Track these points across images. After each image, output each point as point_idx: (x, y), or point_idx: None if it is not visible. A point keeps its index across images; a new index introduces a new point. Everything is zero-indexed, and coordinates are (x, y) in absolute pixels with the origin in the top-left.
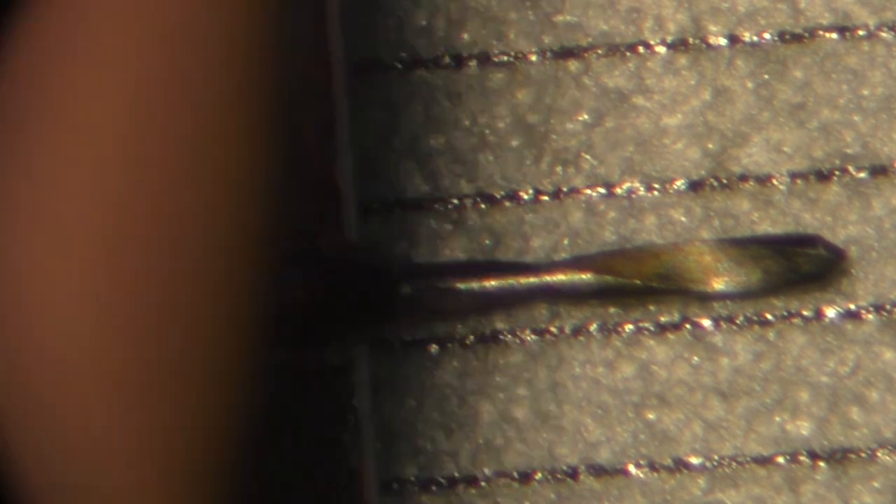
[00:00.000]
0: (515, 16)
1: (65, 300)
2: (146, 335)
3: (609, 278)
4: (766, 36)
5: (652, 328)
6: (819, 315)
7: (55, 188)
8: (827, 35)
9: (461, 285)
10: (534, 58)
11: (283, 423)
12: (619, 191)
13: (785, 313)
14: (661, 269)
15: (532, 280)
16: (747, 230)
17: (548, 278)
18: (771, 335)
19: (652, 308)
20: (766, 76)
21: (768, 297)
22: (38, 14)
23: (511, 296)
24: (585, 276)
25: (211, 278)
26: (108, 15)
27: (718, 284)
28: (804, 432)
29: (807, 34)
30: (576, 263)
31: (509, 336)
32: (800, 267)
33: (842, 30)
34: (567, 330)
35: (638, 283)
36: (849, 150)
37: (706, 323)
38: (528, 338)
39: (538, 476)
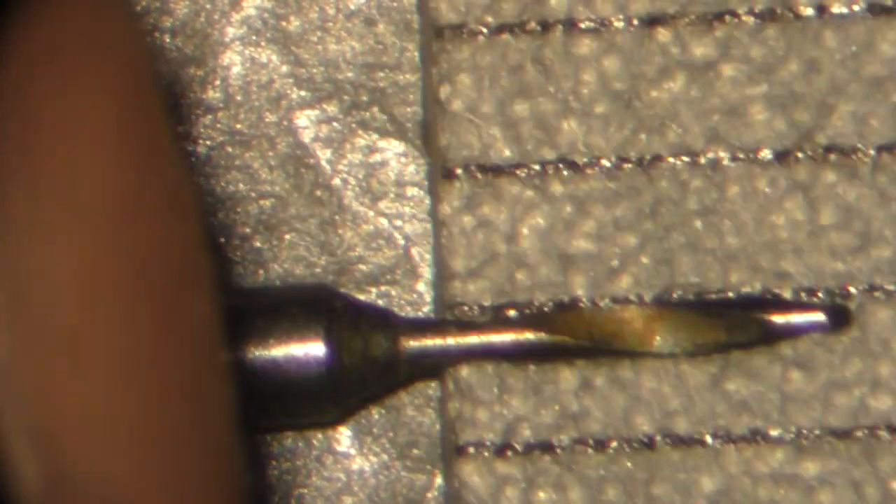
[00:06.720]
0: None
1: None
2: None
3: (557, 338)
4: (855, 8)
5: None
6: None
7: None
8: None
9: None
10: (621, 25)
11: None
12: (703, 160)
13: (867, 286)
14: (597, 330)
15: (482, 339)
16: (833, 203)
17: (494, 337)
18: (852, 308)
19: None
20: (854, 48)
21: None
22: None
23: (462, 354)
24: (529, 336)
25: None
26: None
27: (653, 346)
28: (884, 406)
29: None
30: (519, 323)
31: (589, 303)
32: (733, 333)
33: None
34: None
35: (577, 342)
36: None
37: (786, 294)
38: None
39: (614, 444)
